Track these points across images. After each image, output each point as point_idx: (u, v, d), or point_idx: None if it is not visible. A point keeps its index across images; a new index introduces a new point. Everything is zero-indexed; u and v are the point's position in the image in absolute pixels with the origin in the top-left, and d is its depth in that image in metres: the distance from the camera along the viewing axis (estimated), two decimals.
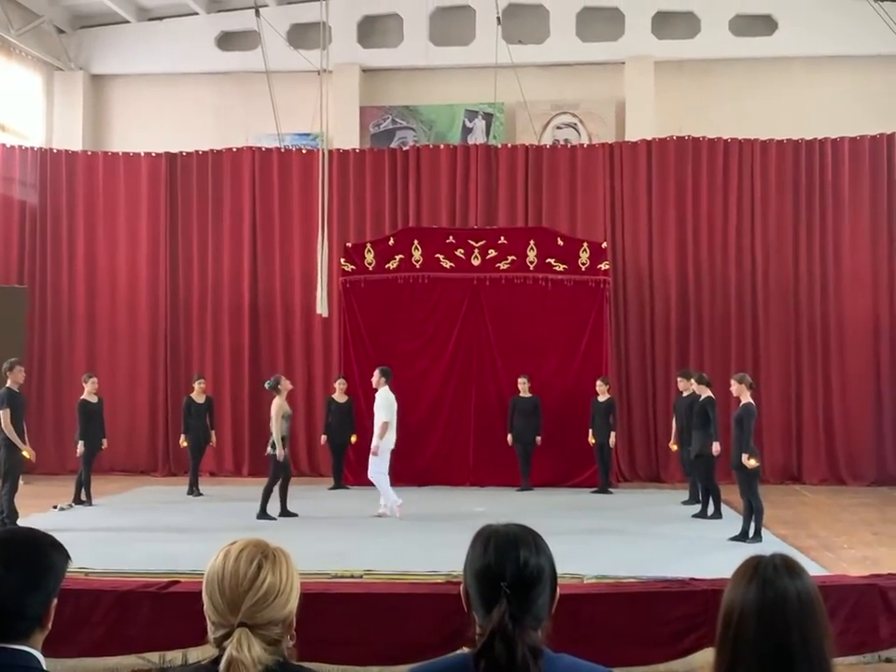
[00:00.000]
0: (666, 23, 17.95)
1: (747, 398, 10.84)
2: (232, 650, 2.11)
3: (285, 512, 12.29)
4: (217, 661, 2.15)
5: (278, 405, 12.47)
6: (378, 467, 12.56)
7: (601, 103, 18.03)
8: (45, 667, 2.25)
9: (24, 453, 11.38)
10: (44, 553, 2.25)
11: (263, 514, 12.15)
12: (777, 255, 16.87)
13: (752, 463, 10.70)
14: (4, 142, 17.83)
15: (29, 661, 2.21)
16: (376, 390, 12.97)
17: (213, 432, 14.81)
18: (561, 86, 17.93)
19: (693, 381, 13.03)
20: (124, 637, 6.71)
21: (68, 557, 2.30)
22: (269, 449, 12.58)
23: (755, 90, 17.56)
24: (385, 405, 12.66)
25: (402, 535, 11.05)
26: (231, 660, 2.11)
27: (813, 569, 2.04)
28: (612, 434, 14.58)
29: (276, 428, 12.35)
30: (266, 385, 13.13)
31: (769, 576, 2.16)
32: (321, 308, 13.96)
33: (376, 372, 13.09)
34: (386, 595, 6.94)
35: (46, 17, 18.16)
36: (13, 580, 2.17)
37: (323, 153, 15.07)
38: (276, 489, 12.41)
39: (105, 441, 13.78)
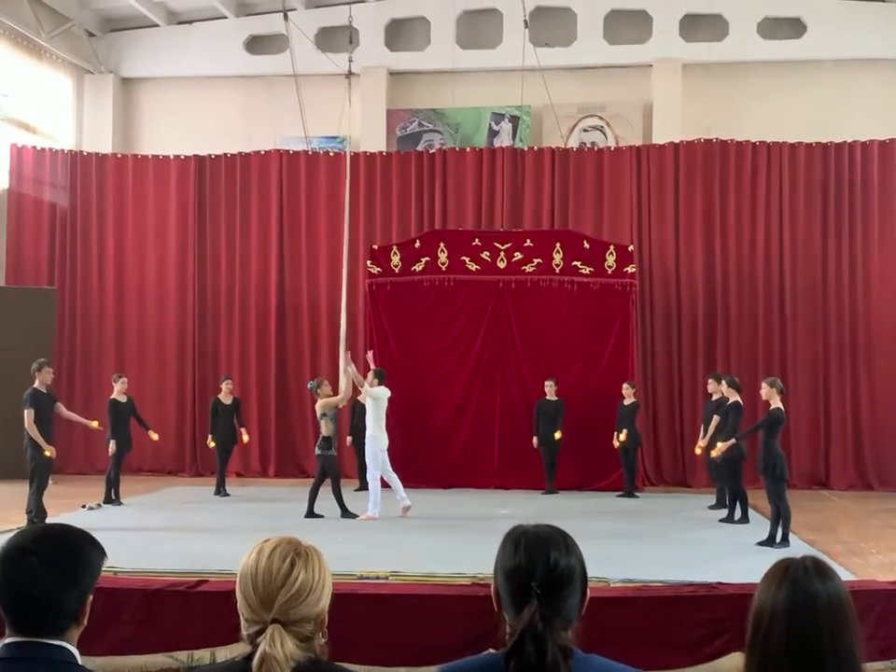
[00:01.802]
0: (694, 26, 17.90)
1: (776, 402, 10.78)
2: (266, 646, 2.14)
3: (311, 513, 12.32)
4: (249, 657, 2.18)
5: (321, 405, 12.61)
6: (372, 471, 12.65)
7: (628, 105, 18.00)
8: (80, 662, 2.28)
9: (47, 452, 11.47)
10: (81, 549, 2.28)
11: (311, 514, 12.27)
12: (805, 258, 16.78)
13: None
14: (35, 144, 18.02)
15: (65, 656, 2.24)
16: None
17: (243, 430, 14.87)
18: (588, 89, 17.91)
19: (723, 384, 12.91)
20: (153, 636, 6.74)
21: (104, 554, 2.33)
22: (317, 449, 12.70)
23: (783, 92, 17.48)
24: (377, 389, 12.74)
25: (427, 537, 11.06)
26: (264, 656, 2.13)
27: (841, 574, 2.04)
28: (623, 432, 14.46)
29: (337, 398, 12.68)
30: (308, 386, 13.43)
31: (800, 578, 2.16)
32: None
33: (369, 374, 13.18)
34: (413, 597, 6.94)
35: (76, 20, 18.34)
36: (51, 575, 2.20)
37: (348, 156, 15.15)
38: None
39: (154, 434, 13.92)
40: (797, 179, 16.87)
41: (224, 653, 6.24)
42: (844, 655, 2.11)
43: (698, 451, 14.02)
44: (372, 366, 13.49)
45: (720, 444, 12.02)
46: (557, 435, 14.80)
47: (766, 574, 2.24)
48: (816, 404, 16.58)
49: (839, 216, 16.79)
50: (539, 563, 2.23)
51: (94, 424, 13.01)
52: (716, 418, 12.99)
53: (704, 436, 13.57)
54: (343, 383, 13.27)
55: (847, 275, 16.74)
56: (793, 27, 17.73)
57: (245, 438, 15.06)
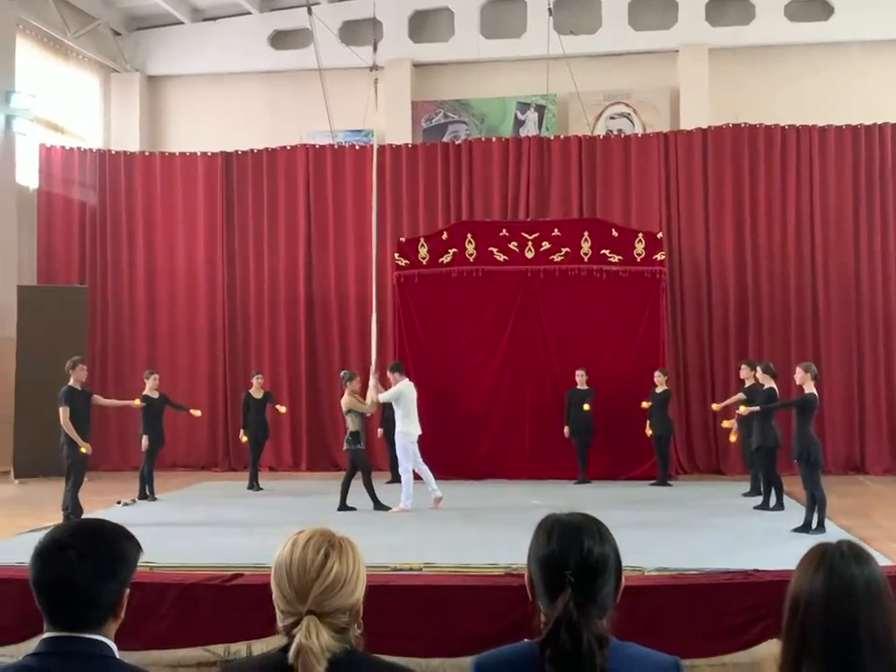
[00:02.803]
0: (720, 10, 17.77)
1: (810, 387, 10.70)
2: (301, 637, 2.15)
3: (343, 506, 12.35)
4: (285, 649, 2.19)
5: (347, 400, 12.64)
6: (404, 463, 12.69)
7: (655, 92, 17.90)
8: (117, 656, 2.29)
9: (83, 449, 11.56)
10: (117, 543, 2.30)
11: (343, 507, 12.29)
12: (836, 242, 16.62)
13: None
14: (63, 144, 18.16)
15: (102, 649, 2.25)
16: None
17: (278, 406, 15.09)
18: (614, 76, 17.82)
19: (758, 370, 12.79)
20: (189, 630, 6.79)
21: (140, 548, 2.35)
22: (345, 444, 12.75)
23: (812, 75, 17.32)
24: (393, 389, 12.80)
25: (460, 528, 11.06)
26: (300, 647, 2.14)
27: (877, 560, 2.03)
28: (645, 403, 14.43)
29: (364, 407, 12.73)
30: (341, 374, 13.63)
31: (836, 563, 2.15)
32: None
33: (388, 372, 13.28)
34: (447, 588, 6.95)
35: (102, 19, 18.46)
36: (87, 569, 2.21)
37: (375, 149, 15.16)
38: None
39: (195, 411, 14.28)
40: (827, 162, 16.70)
41: (260, 646, 6.27)
42: (882, 640, 2.09)
43: (732, 438, 13.97)
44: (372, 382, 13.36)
45: (742, 408, 12.23)
46: (586, 407, 14.72)
47: (802, 559, 2.23)
48: (850, 388, 16.44)
49: (870, 197, 16.61)
50: (573, 551, 2.23)
51: (136, 402, 13.37)
52: (740, 395, 13.08)
53: (736, 425, 13.53)
54: (370, 393, 13.25)
55: (879, 257, 16.56)
56: (821, 9, 17.55)
57: (283, 408, 15.34)
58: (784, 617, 2.20)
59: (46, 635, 2.26)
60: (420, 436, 12.86)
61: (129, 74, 19.26)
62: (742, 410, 12.23)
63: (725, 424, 13.53)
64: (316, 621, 2.17)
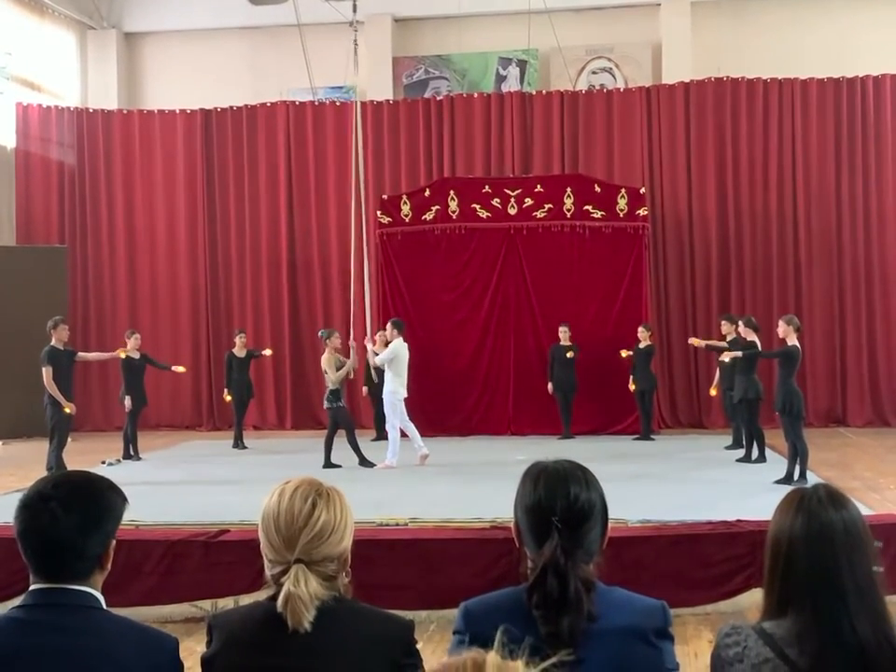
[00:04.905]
0: None
1: (793, 340, 10.75)
2: (290, 585, 2.15)
3: (328, 464, 12.38)
4: (274, 597, 2.20)
5: (327, 358, 12.62)
6: (391, 420, 12.69)
7: (637, 46, 17.77)
8: (105, 607, 2.29)
9: (67, 409, 11.53)
10: (102, 494, 2.29)
11: (328, 464, 12.32)
12: (818, 196, 16.63)
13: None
14: (40, 102, 17.94)
15: (89, 601, 2.25)
16: (386, 343, 13.08)
17: (263, 352, 15.15)
18: (595, 30, 17.67)
19: (739, 324, 12.79)
20: (176, 586, 6.83)
21: (125, 499, 2.35)
22: (325, 402, 12.74)
23: (795, 28, 17.20)
24: (387, 351, 12.77)
25: (445, 483, 11.12)
26: (288, 595, 2.15)
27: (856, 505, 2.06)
28: (623, 352, 14.51)
29: (338, 374, 12.58)
30: (319, 334, 13.55)
31: (814, 508, 2.16)
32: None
33: (388, 325, 13.19)
34: (433, 541, 7.00)
35: None
36: (73, 521, 2.21)
37: (357, 105, 15.02)
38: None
39: (177, 368, 14.34)
40: (809, 116, 16.67)
41: (248, 601, 6.31)
42: (864, 583, 2.10)
43: (713, 392, 14.08)
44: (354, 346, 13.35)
45: (726, 353, 12.39)
46: (570, 354, 14.74)
47: (780, 504, 2.23)
48: (832, 342, 16.54)
49: (852, 151, 16.61)
50: (560, 497, 2.24)
51: (120, 352, 13.37)
52: (723, 343, 13.23)
53: (718, 378, 13.63)
54: (367, 358, 13.24)
55: (861, 212, 16.59)
56: None
57: (268, 351, 15.42)
58: (766, 564, 2.20)
59: (32, 587, 2.26)
60: (405, 398, 12.87)
61: (105, 31, 18.98)
62: (725, 355, 12.29)
63: (694, 341, 13.65)
64: (305, 569, 2.18)
